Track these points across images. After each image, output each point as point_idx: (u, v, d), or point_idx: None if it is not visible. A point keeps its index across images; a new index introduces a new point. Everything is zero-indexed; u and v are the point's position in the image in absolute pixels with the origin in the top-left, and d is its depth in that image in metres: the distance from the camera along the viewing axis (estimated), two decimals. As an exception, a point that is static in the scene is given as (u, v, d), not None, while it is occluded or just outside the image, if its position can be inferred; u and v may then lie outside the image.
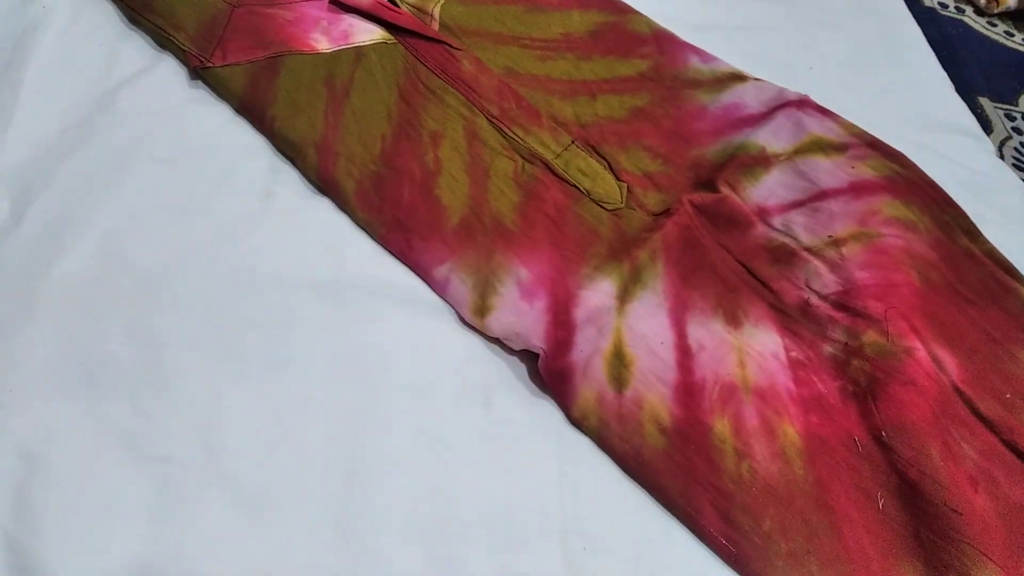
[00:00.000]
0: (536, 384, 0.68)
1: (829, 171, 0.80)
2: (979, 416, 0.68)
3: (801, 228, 0.77)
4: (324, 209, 0.75)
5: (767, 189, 0.79)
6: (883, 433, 0.65)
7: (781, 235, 0.77)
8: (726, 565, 0.61)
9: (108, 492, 0.60)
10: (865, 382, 0.68)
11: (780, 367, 0.69)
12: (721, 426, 0.66)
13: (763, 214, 0.78)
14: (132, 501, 0.60)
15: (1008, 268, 0.76)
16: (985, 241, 0.78)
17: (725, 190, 0.78)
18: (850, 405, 0.68)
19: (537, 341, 0.68)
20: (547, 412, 0.67)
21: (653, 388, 0.67)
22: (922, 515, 0.62)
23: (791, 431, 0.66)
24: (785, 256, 0.76)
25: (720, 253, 0.75)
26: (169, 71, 0.82)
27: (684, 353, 0.69)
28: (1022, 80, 1.20)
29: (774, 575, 0.60)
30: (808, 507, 0.63)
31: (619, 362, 0.68)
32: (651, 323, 0.70)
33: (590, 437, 0.66)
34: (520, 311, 0.70)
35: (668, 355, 0.69)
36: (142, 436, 0.62)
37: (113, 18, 0.86)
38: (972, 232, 0.78)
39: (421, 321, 0.70)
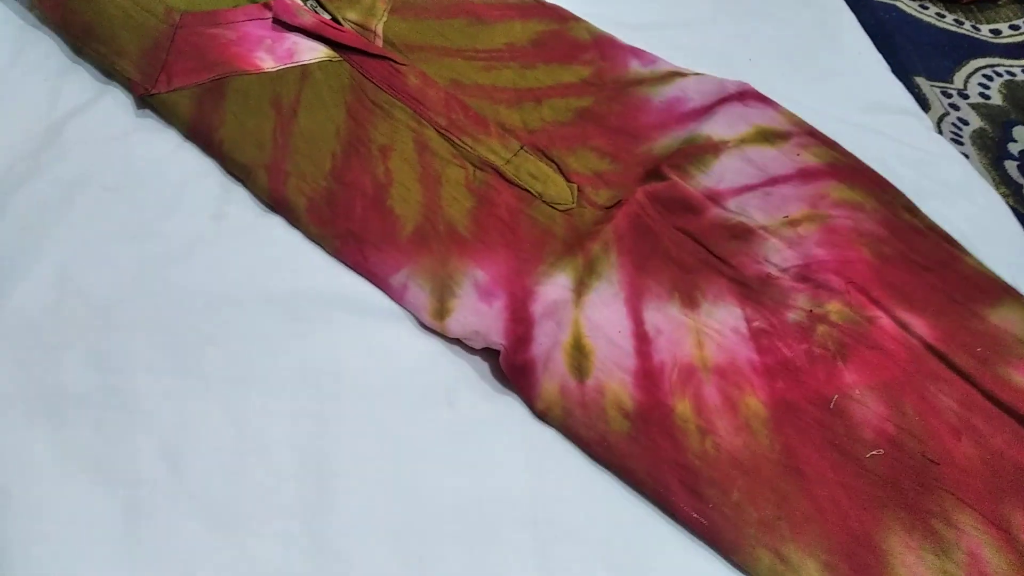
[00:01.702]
0: (498, 381, 0.69)
1: (776, 159, 0.83)
2: (955, 369, 0.70)
3: (756, 210, 0.79)
4: (276, 226, 0.76)
5: (717, 175, 0.81)
6: (855, 391, 0.67)
7: (736, 215, 0.79)
8: (697, 543, 0.62)
9: (76, 519, 0.60)
10: (833, 346, 0.70)
11: (741, 340, 0.71)
12: (682, 407, 0.67)
13: (716, 197, 0.80)
14: (101, 527, 0.60)
15: (949, 239, 0.79)
16: (925, 216, 0.80)
17: (675, 177, 0.80)
18: (818, 367, 0.70)
19: (497, 338, 0.69)
20: (510, 408, 0.68)
21: (614, 375, 0.68)
22: (900, 467, 0.64)
23: (754, 402, 0.67)
24: (743, 233, 0.77)
25: (675, 237, 0.77)
26: (115, 101, 0.82)
27: (642, 339, 0.70)
28: (955, 58, 1.24)
29: (747, 543, 0.61)
30: (776, 474, 0.64)
31: (579, 353, 0.69)
32: (608, 312, 0.71)
33: (555, 427, 0.66)
34: (479, 311, 0.71)
35: (626, 343, 0.70)
36: (107, 460, 0.62)
37: (56, 52, 0.86)
38: (912, 208, 0.81)
39: (378, 328, 0.71)
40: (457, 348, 0.71)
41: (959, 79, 1.24)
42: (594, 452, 0.65)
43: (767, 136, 0.84)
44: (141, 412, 0.64)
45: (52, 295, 0.69)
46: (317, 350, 0.69)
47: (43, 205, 0.74)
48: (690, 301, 0.73)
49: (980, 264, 0.77)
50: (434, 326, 0.70)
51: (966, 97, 1.22)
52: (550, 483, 0.64)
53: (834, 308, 0.73)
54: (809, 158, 0.83)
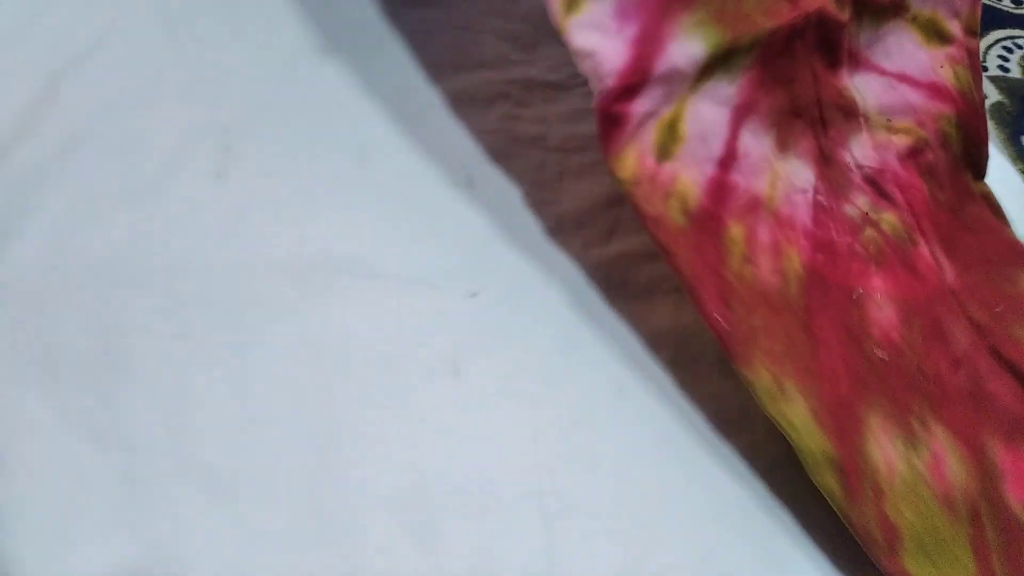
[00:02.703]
0: (506, 351, 0.67)
1: (920, 59, 0.80)
2: (969, 320, 0.70)
3: (872, 96, 0.77)
4: (280, 187, 0.74)
5: (873, 42, 0.77)
6: (877, 295, 0.68)
7: (855, 90, 0.76)
8: (707, 517, 0.61)
9: (72, 485, 0.58)
10: (874, 250, 0.70)
11: (805, 203, 0.70)
12: (736, 230, 0.66)
13: (855, 61, 0.76)
14: (98, 493, 0.58)
15: (998, 212, 0.78)
16: (985, 185, 0.79)
17: (845, 16, 0.74)
18: (855, 261, 0.69)
19: (609, 69, 0.62)
20: (518, 379, 0.66)
21: (691, 171, 0.66)
22: (894, 370, 0.65)
23: (796, 258, 0.67)
24: (849, 111, 0.75)
25: (804, 74, 0.73)
26: (115, 52, 0.80)
27: (729, 152, 0.68)
28: (977, 28, 1.21)
29: (756, 359, 0.61)
30: (793, 324, 0.64)
31: (671, 134, 0.65)
32: (714, 109, 0.68)
33: (620, 188, 0.64)
34: (606, 29, 0.63)
35: (715, 148, 0.67)
36: (105, 425, 0.60)
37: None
38: (980, 174, 0.81)
39: (385, 294, 0.69)
40: (463, 317, 0.69)
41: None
42: (649, 226, 0.63)
43: (932, 29, 0.81)
44: (140, 377, 0.62)
45: (49, 255, 0.67)
46: (321, 317, 0.67)
47: (40, 161, 0.71)
48: (782, 144, 0.71)
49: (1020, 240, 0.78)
50: (559, 20, 0.62)
51: (985, 69, 1.20)
52: (558, 456, 0.63)
53: (887, 219, 0.72)
54: (948, 77, 0.80)
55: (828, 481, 0.60)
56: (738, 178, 0.68)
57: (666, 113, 0.65)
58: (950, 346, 0.67)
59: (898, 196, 0.74)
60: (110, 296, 0.65)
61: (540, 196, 0.77)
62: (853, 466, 0.61)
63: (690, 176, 0.65)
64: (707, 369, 0.69)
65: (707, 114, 0.67)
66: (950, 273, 0.72)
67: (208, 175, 0.73)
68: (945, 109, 0.79)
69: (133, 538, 0.57)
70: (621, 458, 0.63)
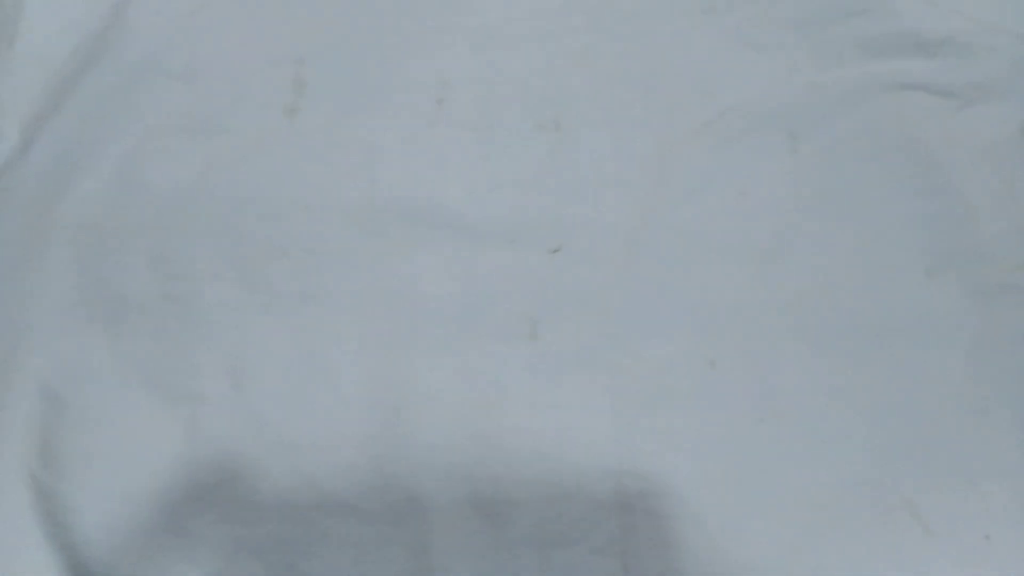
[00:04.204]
0: (588, 315, 0.63)
1: None
2: None
3: None
4: (356, 126, 0.69)
5: None
6: None
7: None
8: (794, 510, 0.57)
9: (135, 433, 0.57)
10: None
11: None
12: None
13: None
14: (161, 444, 0.57)
15: None
16: None
17: None
18: None
19: None
20: (599, 345, 0.62)
21: None
22: None
23: None
24: None
25: None
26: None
27: None
28: None
29: None
30: None
31: None
32: None
33: None
34: None
35: None
36: (168, 374, 0.59)
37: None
38: None
39: (460, 248, 0.64)
40: (546, 275, 0.64)
41: None
42: None
43: None
44: (204, 324, 0.60)
45: (114, 192, 0.64)
46: (392, 269, 0.63)
47: (106, 93, 0.68)
48: None
49: None
50: None
51: None
52: (639, 432, 0.59)
53: None
54: None
55: None
56: None
57: None
58: None
59: None
60: (175, 238, 0.63)
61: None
62: None
63: None
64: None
65: None
66: None
67: (279, 110, 0.69)
68: None
69: (193, 493, 0.56)
70: (706, 438, 0.59)
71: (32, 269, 0.61)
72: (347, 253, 0.63)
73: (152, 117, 0.67)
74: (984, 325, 0.61)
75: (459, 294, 0.63)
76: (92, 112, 0.67)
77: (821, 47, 0.70)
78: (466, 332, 0.61)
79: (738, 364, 0.61)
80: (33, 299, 0.60)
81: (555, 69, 0.71)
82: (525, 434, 0.58)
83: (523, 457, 0.57)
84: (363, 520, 0.56)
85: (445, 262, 0.64)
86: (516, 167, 0.68)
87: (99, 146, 0.66)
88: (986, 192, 0.65)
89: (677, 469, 0.58)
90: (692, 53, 0.71)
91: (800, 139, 0.67)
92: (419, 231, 0.65)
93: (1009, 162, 0.66)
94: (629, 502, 0.56)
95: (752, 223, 0.65)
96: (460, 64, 0.71)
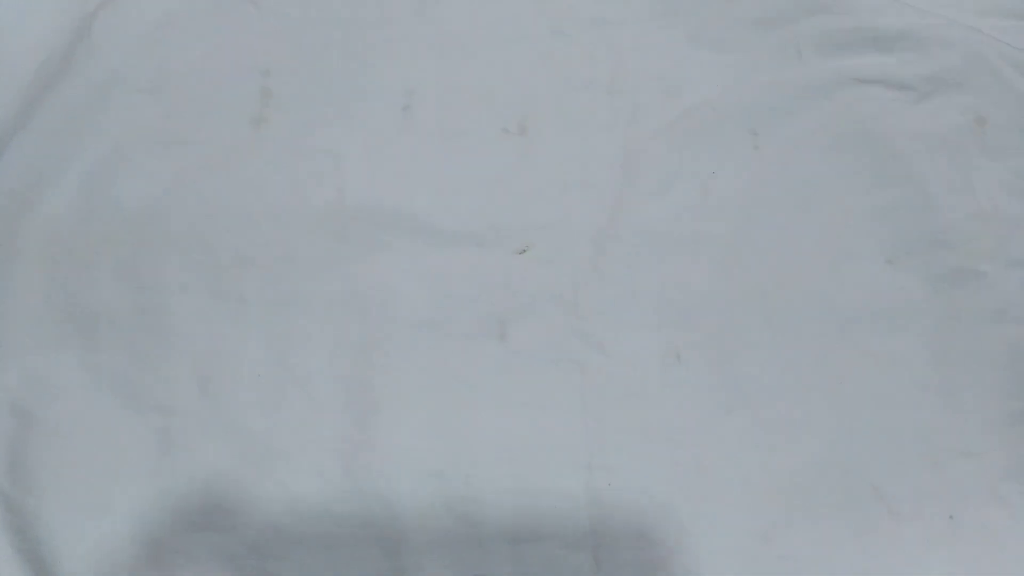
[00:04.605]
0: (555, 314, 0.63)
1: None
2: None
3: None
4: (321, 135, 0.70)
5: None
6: None
7: None
8: (759, 498, 0.57)
9: (107, 446, 0.57)
10: None
11: None
12: None
13: None
14: (133, 455, 0.57)
15: None
16: None
17: None
18: None
19: None
20: (567, 343, 0.62)
21: None
22: None
23: None
24: None
25: None
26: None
27: None
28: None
29: None
30: None
31: None
32: None
33: None
34: None
35: None
36: (140, 385, 0.59)
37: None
38: None
39: (428, 251, 0.65)
40: (511, 276, 0.65)
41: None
42: None
43: None
44: (175, 335, 0.61)
45: (82, 206, 0.64)
46: (362, 274, 0.64)
47: (73, 108, 0.68)
48: None
49: None
50: None
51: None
52: (608, 427, 0.59)
53: None
54: None
55: None
56: None
57: None
58: None
59: None
60: (145, 251, 0.63)
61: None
62: None
63: None
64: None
65: None
66: None
67: (246, 121, 0.70)
68: None
69: (166, 502, 0.56)
70: (675, 430, 0.59)
71: (0, 285, 0.61)
72: (316, 260, 0.64)
73: (119, 131, 0.68)
74: (945, 310, 0.62)
75: (428, 297, 0.63)
76: (59, 127, 0.67)
77: (781, 45, 0.71)
78: (436, 334, 0.62)
79: (704, 356, 0.62)
80: (1, 315, 0.61)
81: (519, 74, 0.72)
82: (496, 432, 0.59)
83: (493, 455, 0.58)
84: (335, 522, 0.56)
85: (414, 266, 0.64)
86: (483, 171, 0.69)
87: (66, 161, 0.66)
88: (944, 181, 0.66)
89: (646, 462, 0.58)
90: (654, 55, 0.72)
91: (761, 135, 0.68)
92: (387, 236, 0.65)
93: (965, 152, 0.67)
94: (599, 496, 0.57)
95: (716, 218, 0.66)
96: (425, 72, 0.72)
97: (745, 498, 0.58)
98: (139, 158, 0.67)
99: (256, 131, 0.69)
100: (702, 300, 0.64)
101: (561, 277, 0.64)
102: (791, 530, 0.57)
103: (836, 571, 0.57)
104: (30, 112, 0.68)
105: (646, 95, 0.72)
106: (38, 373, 0.59)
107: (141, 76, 0.71)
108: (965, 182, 0.66)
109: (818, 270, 0.64)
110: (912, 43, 0.71)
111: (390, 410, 0.59)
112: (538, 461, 0.58)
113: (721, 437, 0.60)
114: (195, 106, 0.70)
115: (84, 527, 0.55)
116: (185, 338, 0.61)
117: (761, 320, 0.63)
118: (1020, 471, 0.59)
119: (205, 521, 0.56)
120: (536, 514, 0.56)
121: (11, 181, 0.65)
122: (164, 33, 0.73)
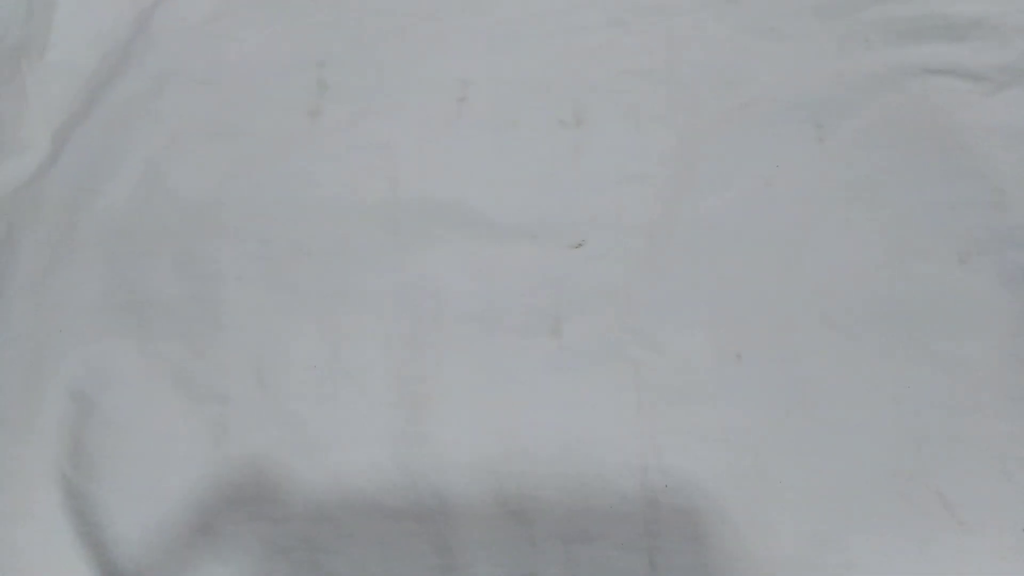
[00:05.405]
0: (610, 311, 0.62)
1: None
2: None
3: None
4: (376, 127, 0.69)
5: None
6: None
7: None
8: (823, 507, 0.56)
9: (163, 434, 0.58)
10: None
11: None
12: None
13: None
14: (188, 443, 0.58)
15: None
16: None
17: None
18: None
19: None
20: (622, 341, 0.61)
21: None
22: None
23: None
24: None
25: None
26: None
27: None
28: None
29: None
30: None
31: None
32: None
33: None
34: None
35: None
36: (196, 375, 0.60)
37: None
38: None
39: (482, 245, 0.64)
40: (565, 271, 0.64)
41: None
42: None
43: None
44: (230, 325, 0.61)
45: (141, 196, 0.65)
46: (415, 267, 0.63)
47: (132, 100, 0.69)
48: None
49: None
50: None
51: None
52: (664, 427, 0.58)
53: None
54: None
55: None
56: None
57: None
58: None
59: None
60: (200, 241, 0.64)
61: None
62: None
63: None
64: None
65: None
66: None
67: (302, 112, 0.70)
68: None
69: (220, 492, 0.56)
70: (733, 432, 0.58)
71: (61, 274, 0.63)
72: (369, 252, 0.64)
73: (177, 122, 0.69)
74: (1018, 312, 0.60)
75: (481, 291, 0.63)
76: (119, 119, 0.68)
77: (846, 34, 0.69)
78: (489, 329, 0.61)
79: (765, 356, 0.60)
80: (62, 303, 0.62)
81: (575, 65, 0.71)
82: (549, 430, 0.58)
83: (547, 453, 0.57)
84: (388, 517, 0.56)
85: (467, 259, 0.64)
86: (537, 164, 0.68)
87: (126, 152, 0.67)
88: (1018, 177, 0.63)
89: (704, 463, 0.57)
90: (712, 44, 0.70)
91: (826, 127, 0.66)
92: (441, 229, 0.65)
93: (1042, 146, 0.64)
94: (655, 497, 0.56)
95: (777, 213, 0.64)
96: (480, 63, 0.71)
97: (804, 503, 0.56)
98: (196, 148, 0.68)
99: (312, 122, 0.69)
100: (762, 298, 0.62)
101: (616, 272, 0.63)
102: (852, 537, 0.55)
103: (898, 581, 0.55)
104: (91, 105, 0.69)
105: (704, 86, 0.70)
106: (98, 361, 0.59)
107: (198, 68, 0.71)
108: (1041, 178, 0.63)
109: (885, 268, 0.62)
110: (986, 31, 0.68)
111: (442, 404, 0.59)
112: (592, 461, 0.57)
113: (780, 439, 0.58)
114: (251, 97, 0.70)
115: (141, 513, 0.56)
116: (240, 328, 0.61)
117: (824, 320, 0.61)
118: (1096, 482, 0.56)
119: (259, 512, 0.56)
120: (590, 514, 0.55)
121: (73, 172, 0.66)
122: (220, 26, 0.73)
